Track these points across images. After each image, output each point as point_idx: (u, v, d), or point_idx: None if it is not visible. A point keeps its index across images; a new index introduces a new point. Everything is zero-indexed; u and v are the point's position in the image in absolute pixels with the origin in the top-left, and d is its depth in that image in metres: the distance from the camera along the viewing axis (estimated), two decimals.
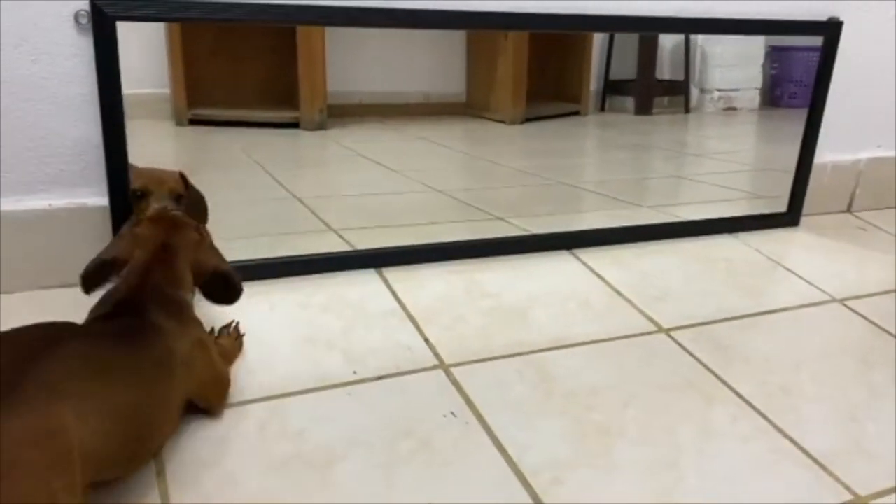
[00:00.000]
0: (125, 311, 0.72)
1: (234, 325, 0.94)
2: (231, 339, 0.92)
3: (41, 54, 0.97)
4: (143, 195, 0.95)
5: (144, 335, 0.69)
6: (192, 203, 0.99)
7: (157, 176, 0.97)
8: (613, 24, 1.36)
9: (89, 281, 0.78)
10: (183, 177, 0.99)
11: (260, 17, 1.03)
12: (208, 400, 0.79)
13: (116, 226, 1.02)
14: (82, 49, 0.98)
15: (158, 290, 0.75)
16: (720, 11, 1.33)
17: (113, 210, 1.02)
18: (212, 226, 1.32)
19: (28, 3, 0.95)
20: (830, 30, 1.41)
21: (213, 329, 0.92)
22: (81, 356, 0.62)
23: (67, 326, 0.67)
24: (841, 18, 1.41)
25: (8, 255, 1.01)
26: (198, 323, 0.80)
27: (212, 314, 0.93)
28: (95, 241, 1.03)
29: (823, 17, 1.41)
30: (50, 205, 1.03)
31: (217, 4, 1.01)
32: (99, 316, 0.73)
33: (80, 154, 1.02)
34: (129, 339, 0.68)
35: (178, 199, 0.95)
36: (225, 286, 0.83)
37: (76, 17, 0.96)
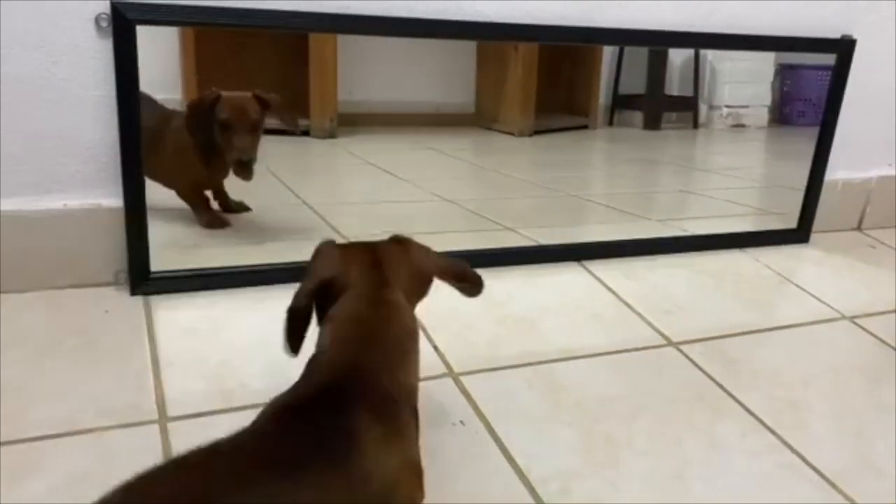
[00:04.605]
0: (322, 404, 0.55)
1: None
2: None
3: (61, 56, 0.98)
4: (227, 127, 0.97)
5: (335, 452, 0.51)
6: (279, 108, 1.00)
7: (239, 106, 0.99)
8: (625, 38, 1.37)
9: (297, 316, 0.66)
10: (258, 97, 1.00)
11: (276, 24, 1.05)
12: None
13: (130, 227, 1.03)
14: (102, 52, 0.99)
15: (372, 380, 0.58)
16: (732, 27, 1.33)
17: (127, 211, 1.03)
18: (228, 229, 1.34)
19: (50, 4, 0.96)
20: (843, 47, 1.42)
21: None
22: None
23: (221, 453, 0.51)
24: (854, 36, 1.42)
25: (23, 253, 1.02)
26: (412, 430, 0.60)
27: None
28: (109, 242, 1.04)
29: (836, 35, 1.42)
30: (65, 205, 1.04)
31: (234, 10, 1.03)
32: (280, 408, 0.55)
33: (97, 155, 1.03)
34: (309, 460, 0.50)
35: (254, 128, 0.97)
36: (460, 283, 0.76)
37: (97, 20, 0.97)
